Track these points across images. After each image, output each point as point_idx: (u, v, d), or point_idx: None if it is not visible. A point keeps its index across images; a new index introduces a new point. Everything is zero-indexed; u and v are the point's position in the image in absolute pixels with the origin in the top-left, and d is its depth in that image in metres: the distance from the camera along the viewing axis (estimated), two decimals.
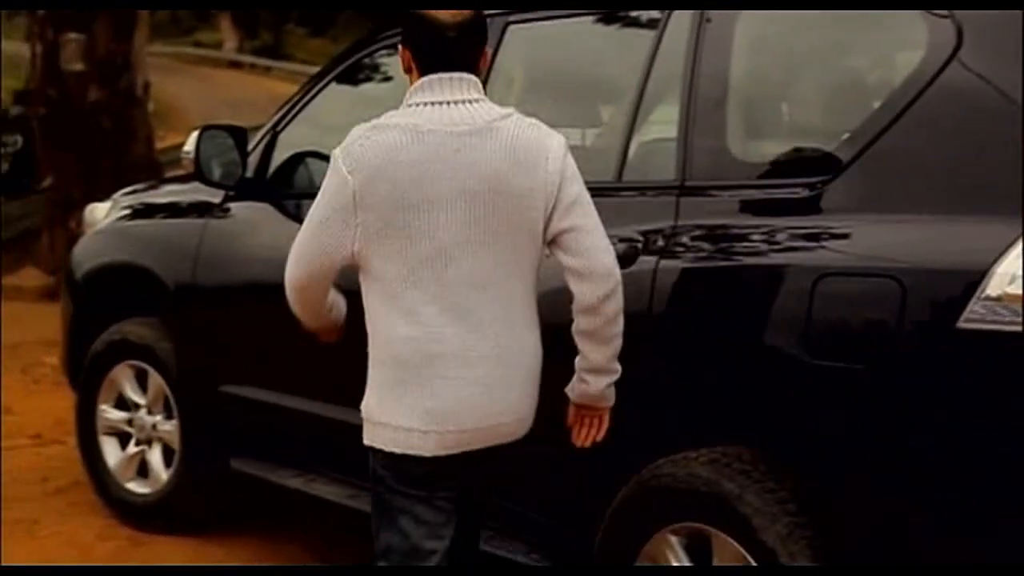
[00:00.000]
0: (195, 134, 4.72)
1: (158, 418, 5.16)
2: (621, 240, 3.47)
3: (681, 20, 3.58)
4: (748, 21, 3.49)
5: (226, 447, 4.84)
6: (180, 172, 6.10)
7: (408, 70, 3.04)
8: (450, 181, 2.89)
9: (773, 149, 3.66)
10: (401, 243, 2.91)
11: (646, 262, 3.41)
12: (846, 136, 3.22)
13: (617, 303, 2.98)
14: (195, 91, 27.91)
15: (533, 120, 3.04)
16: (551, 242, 2.99)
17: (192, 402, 5.00)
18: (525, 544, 3.78)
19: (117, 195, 5.80)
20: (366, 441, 3.04)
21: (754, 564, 3.06)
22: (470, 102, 2.96)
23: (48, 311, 9.12)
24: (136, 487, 5.26)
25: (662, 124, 3.78)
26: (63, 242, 10.36)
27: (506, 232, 2.93)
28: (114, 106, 11.32)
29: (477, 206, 2.90)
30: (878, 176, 3.09)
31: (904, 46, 3.38)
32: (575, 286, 2.96)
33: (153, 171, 10.85)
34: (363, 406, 3.05)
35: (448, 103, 2.94)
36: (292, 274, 3.09)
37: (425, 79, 2.97)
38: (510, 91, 4.30)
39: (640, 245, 3.44)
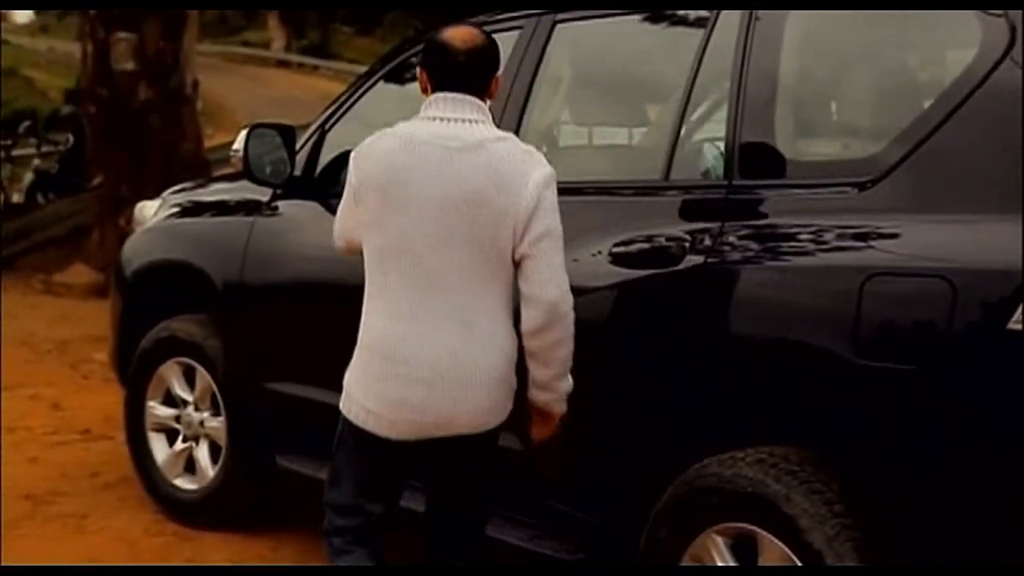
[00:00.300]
0: (243, 132, 4.73)
1: (205, 415, 5.19)
2: (668, 239, 3.46)
3: (730, 18, 3.56)
4: (798, 19, 3.47)
5: (272, 444, 4.86)
6: (228, 170, 6.13)
7: (424, 90, 3.33)
8: (432, 189, 3.18)
9: (822, 148, 3.64)
10: (383, 238, 3.24)
11: (693, 261, 3.39)
12: (896, 135, 3.19)
13: (557, 334, 3.22)
14: (243, 90, 28.08)
15: (528, 147, 3.29)
16: (516, 263, 3.22)
17: (239, 399, 5.03)
18: (570, 543, 3.77)
19: (166, 193, 5.84)
20: (340, 406, 3.37)
21: (800, 565, 3.04)
22: (470, 122, 3.25)
23: (97, 308, 9.22)
24: (183, 483, 5.29)
25: (710, 123, 3.77)
26: (113, 239, 10.44)
27: (475, 243, 3.18)
28: (164, 105, 11.40)
29: (452, 215, 3.17)
30: (928, 175, 3.07)
31: (955, 45, 3.34)
32: (523, 310, 3.23)
33: (202, 169, 10.92)
34: (345, 374, 3.36)
35: (448, 120, 3.24)
36: (337, 246, 3.53)
37: (434, 96, 3.29)
38: (558, 90, 4.30)
39: (687, 244, 3.42)
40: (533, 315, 3.20)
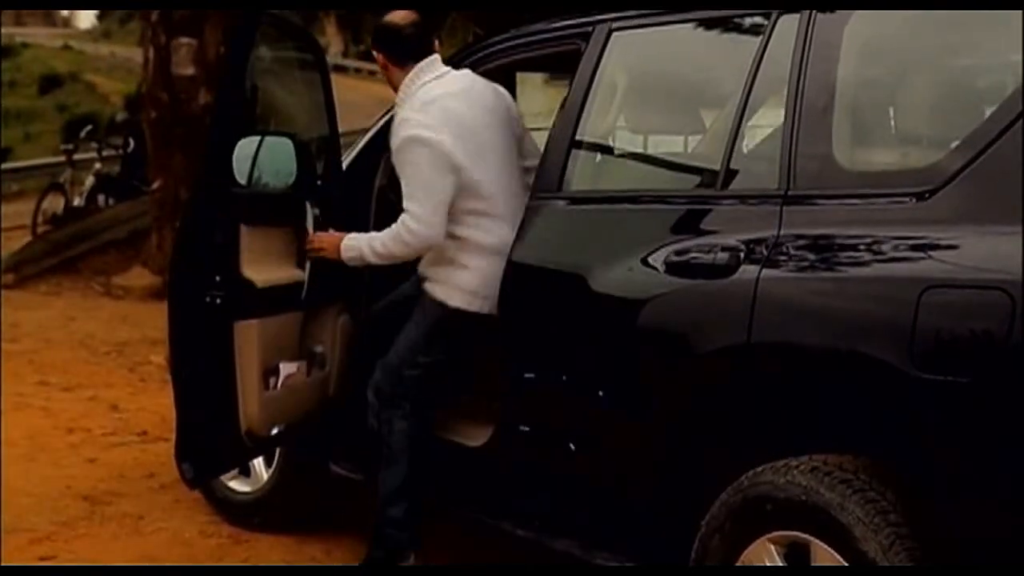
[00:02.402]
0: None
1: None
2: (723, 249, 3.44)
3: (788, 24, 3.53)
4: (856, 25, 3.43)
5: (325, 449, 4.88)
6: None
7: (385, 67, 4.38)
8: (484, 125, 4.24)
9: (880, 157, 3.60)
10: (472, 173, 4.14)
11: (748, 271, 3.37)
12: (956, 144, 3.15)
13: None
14: None
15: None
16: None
17: None
18: (621, 549, 3.76)
19: None
20: (433, 294, 4.26)
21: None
22: (451, 72, 4.33)
23: (156, 310, 9.28)
24: (238, 485, 5.31)
25: (766, 131, 3.74)
26: (171, 243, 10.52)
27: (510, 156, 4.33)
28: None
29: (498, 136, 4.29)
30: (989, 185, 3.02)
31: (1017, 49, 3.29)
32: None
33: None
34: (430, 271, 4.29)
35: (447, 74, 4.31)
36: (437, 235, 4.13)
37: (424, 62, 4.29)
38: (613, 97, 4.28)
39: (742, 254, 3.40)
40: None
